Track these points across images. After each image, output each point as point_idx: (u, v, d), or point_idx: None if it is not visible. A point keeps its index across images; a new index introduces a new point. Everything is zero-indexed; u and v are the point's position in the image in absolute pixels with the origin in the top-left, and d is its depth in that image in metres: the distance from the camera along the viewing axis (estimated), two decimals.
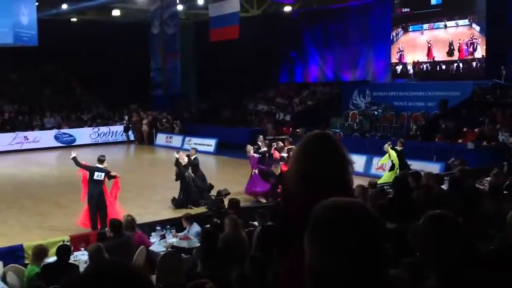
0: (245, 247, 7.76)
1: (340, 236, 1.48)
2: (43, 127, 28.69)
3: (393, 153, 15.43)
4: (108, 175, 12.24)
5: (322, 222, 1.54)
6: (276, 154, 15.57)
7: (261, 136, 17.26)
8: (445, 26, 24.13)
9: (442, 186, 10.69)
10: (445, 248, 2.49)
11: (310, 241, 1.54)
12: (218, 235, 7.82)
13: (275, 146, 15.86)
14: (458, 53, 23.77)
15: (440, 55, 24.49)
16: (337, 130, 24.09)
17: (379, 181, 13.93)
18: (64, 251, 7.34)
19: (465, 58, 23.54)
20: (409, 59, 25.65)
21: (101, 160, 12.43)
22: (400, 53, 25.89)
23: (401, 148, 15.79)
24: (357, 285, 1.48)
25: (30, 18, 22.53)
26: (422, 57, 25.17)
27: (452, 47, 23.91)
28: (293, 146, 16.02)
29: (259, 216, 8.93)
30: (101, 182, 12.14)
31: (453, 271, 2.49)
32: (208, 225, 8.64)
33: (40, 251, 7.51)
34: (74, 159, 12.48)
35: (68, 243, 8.93)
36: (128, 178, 18.93)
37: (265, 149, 15.47)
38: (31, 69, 32.48)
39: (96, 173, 12.08)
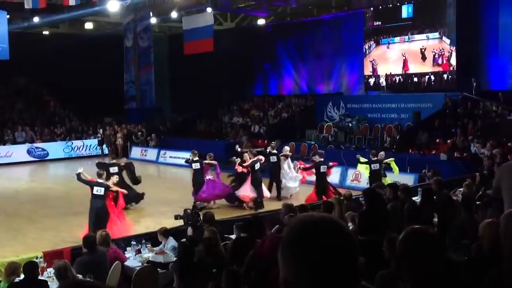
0: (224, 260, 7.73)
1: (311, 251, 1.51)
2: (14, 141, 28.26)
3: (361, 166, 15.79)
4: (110, 190, 12.29)
5: (294, 237, 1.57)
6: (240, 169, 15.97)
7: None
8: (416, 39, 24.53)
9: (416, 198, 10.83)
10: (422, 262, 2.54)
11: (283, 255, 1.57)
12: (194, 249, 7.79)
13: (238, 161, 16.23)
14: (429, 65, 24.17)
15: (412, 67, 24.87)
16: (312, 142, 24.26)
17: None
18: (30, 269, 7.21)
19: (437, 70, 23.94)
20: (382, 71, 25.96)
21: (99, 174, 12.59)
22: (374, 65, 26.19)
23: (375, 158, 15.92)
24: None
25: (1, 31, 22.32)
26: (395, 69, 25.51)
27: (423, 60, 24.31)
28: (259, 157, 16.16)
29: (237, 228, 8.93)
30: (102, 196, 12.16)
31: (427, 283, 2.55)
32: (184, 239, 8.59)
33: (13, 268, 7.37)
34: (78, 174, 12.58)
35: (41, 259, 8.79)
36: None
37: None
38: (3, 83, 32.05)
39: (95, 188, 12.14)
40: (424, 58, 24.22)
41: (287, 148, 18.08)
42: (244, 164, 15.82)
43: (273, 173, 17.11)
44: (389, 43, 25.61)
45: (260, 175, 15.94)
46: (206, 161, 16.16)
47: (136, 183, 16.49)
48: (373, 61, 26.24)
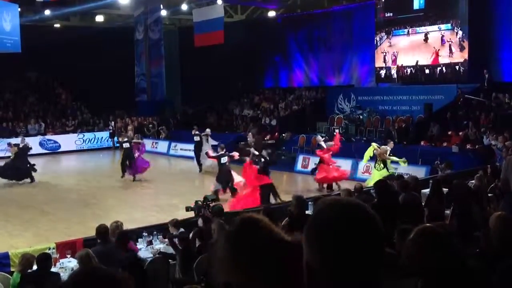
0: None
1: (335, 235, 1.48)
2: (27, 134, 28.45)
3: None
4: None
5: (319, 220, 1.54)
6: (236, 156, 16.91)
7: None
8: (428, 31, 24.33)
9: (426, 190, 10.80)
10: (433, 261, 2.54)
11: (307, 239, 1.54)
12: (190, 239, 7.99)
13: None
14: (441, 57, 23.98)
15: (423, 59, 24.68)
16: (323, 135, 24.20)
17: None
18: (43, 260, 7.29)
19: (448, 62, 23.74)
20: (406, 62, 25.60)
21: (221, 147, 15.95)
22: (394, 55, 25.73)
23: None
24: (351, 283, 1.49)
25: (13, 24, 22.38)
26: (407, 61, 25.30)
27: (435, 51, 24.12)
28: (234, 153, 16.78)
29: None
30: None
31: (438, 279, 2.55)
32: (192, 230, 8.64)
33: (26, 260, 7.45)
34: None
35: (54, 250, 8.87)
36: (114, 185, 18.88)
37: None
38: (15, 76, 32.21)
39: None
40: (435, 56, 24.03)
41: (208, 130, 21.91)
42: (211, 155, 16.87)
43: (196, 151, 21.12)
44: (405, 34, 25.40)
45: (226, 168, 16.10)
46: (134, 140, 20.09)
47: None
48: (393, 52, 25.79)
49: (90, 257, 7.07)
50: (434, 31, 24.11)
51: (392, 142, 16.66)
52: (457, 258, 2.79)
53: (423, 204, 9.11)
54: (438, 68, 24.12)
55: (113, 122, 30.45)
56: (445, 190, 9.96)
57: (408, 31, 25.05)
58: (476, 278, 3.03)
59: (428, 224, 2.81)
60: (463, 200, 7.97)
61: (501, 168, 12.87)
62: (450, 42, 23.43)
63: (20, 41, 22.64)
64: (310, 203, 10.35)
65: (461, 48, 23.13)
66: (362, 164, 18.64)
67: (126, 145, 19.64)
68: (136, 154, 19.36)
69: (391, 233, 5.39)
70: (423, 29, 24.45)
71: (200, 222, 9.63)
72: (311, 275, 1.52)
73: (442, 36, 23.76)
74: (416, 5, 24.62)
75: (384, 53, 26.11)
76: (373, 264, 1.49)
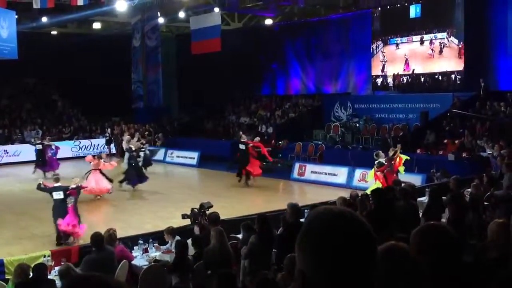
0: (231, 258, 7.77)
1: (328, 244, 1.48)
2: (23, 141, 28.38)
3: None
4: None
5: (311, 229, 1.54)
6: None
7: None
8: (424, 39, 24.42)
9: (422, 198, 10.79)
10: (438, 260, 2.52)
11: (300, 247, 1.54)
12: (187, 246, 8.00)
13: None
14: (437, 65, 24.05)
15: (419, 67, 24.76)
16: (319, 142, 24.23)
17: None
18: (39, 269, 7.26)
19: (444, 70, 23.81)
20: (391, 71, 25.78)
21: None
22: (406, 62, 25.69)
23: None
24: None
25: (10, 31, 22.33)
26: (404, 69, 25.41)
27: (431, 60, 24.20)
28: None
29: (244, 227, 8.95)
30: None
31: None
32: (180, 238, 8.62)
33: (22, 271, 7.39)
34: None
35: (49, 258, 8.83)
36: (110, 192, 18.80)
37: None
38: (11, 82, 32.17)
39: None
40: (431, 64, 24.08)
41: (128, 137, 24.26)
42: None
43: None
44: (401, 43, 25.44)
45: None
46: (46, 143, 22.74)
47: None
48: (405, 57, 25.72)
49: (70, 272, 7.04)
50: (430, 40, 24.20)
51: (381, 152, 16.44)
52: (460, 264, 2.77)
53: (420, 212, 9.10)
54: (434, 77, 24.19)
55: (109, 129, 30.39)
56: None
57: (398, 41, 25.18)
58: (474, 286, 3.02)
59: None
60: (457, 208, 7.98)
61: (497, 176, 12.90)
62: (433, 48, 23.57)
63: (17, 48, 22.60)
64: (306, 211, 10.34)
65: (457, 57, 23.20)
66: (359, 172, 18.65)
67: (39, 146, 22.63)
68: (49, 154, 22.44)
69: (387, 241, 5.38)
70: (419, 37, 24.55)
71: (196, 230, 9.62)
72: (304, 282, 1.53)
73: (435, 42, 23.88)
74: (412, 14, 24.72)
75: (383, 62, 26.14)
76: (365, 270, 1.49)
